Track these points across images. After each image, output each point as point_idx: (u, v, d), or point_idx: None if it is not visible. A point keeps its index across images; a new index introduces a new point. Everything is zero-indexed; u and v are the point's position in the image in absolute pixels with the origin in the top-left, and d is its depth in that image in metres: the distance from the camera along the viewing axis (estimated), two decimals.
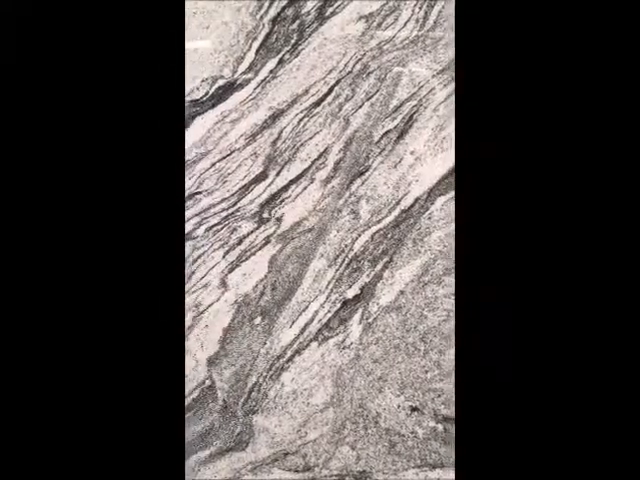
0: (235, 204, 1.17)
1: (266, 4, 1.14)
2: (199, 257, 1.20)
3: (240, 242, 1.18)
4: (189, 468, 1.21)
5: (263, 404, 1.17)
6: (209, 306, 1.19)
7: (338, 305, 1.14)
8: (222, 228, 1.18)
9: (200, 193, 1.19)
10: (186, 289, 1.20)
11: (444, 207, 1.11)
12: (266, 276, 1.17)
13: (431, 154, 1.11)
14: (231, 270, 1.18)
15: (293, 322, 1.16)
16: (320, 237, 1.15)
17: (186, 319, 1.20)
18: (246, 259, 1.17)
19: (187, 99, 1.18)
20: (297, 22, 1.13)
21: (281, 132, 1.15)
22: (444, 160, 1.11)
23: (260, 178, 1.16)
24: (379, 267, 1.13)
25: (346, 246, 1.14)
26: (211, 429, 1.20)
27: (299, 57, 1.13)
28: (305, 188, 1.15)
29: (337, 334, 1.14)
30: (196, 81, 1.18)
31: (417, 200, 1.12)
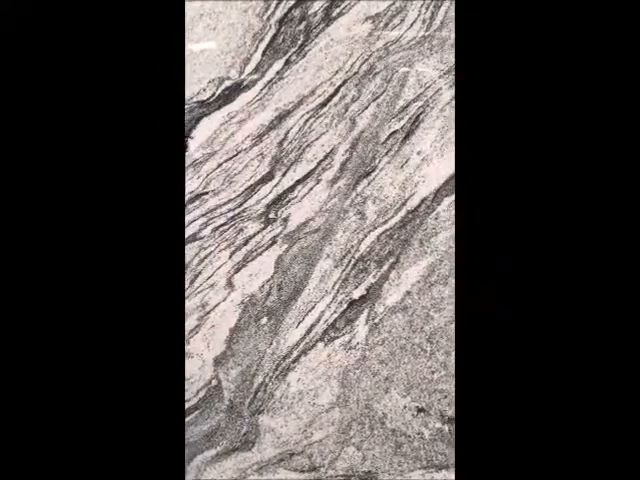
0: (241, 204, 1.18)
1: (273, 5, 1.14)
2: (205, 257, 1.20)
3: (246, 242, 1.18)
4: (195, 467, 1.22)
5: (269, 404, 1.17)
6: (215, 306, 1.20)
7: (344, 305, 1.14)
8: (228, 228, 1.19)
9: (207, 193, 1.19)
10: (192, 289, 1.21)
11: (450, 208, 1.11)
12: (272, 276, 1.17)
13: (437, 155, 1.11)
14: (237, 270, 1.19)
15: (299, 322, 1.16)
16: (326, 237, 1.15)
17: (193, 319, 1.21)
18: (252, 259, 1.18)
19: (194, 100, 1.19)
20: (304, 23, 1.13)
21: (287, 133, 1.15)
22: (450, 161, 1.10)
23: (266, 179, 1.16)
24: (385, 268, 1.13)
25: (352, 247, 1.14)
26: (217, 429, 1.20)
27: (305, 58, 1.14)
28: (311, 189, 1.15)
29: (343, 334, 1.14)
30: (203, 82, 1.18)
31: (423, 201, 1.11)
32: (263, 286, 1.17)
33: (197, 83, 1.18)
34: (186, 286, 1.21)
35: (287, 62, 1.14)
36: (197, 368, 1.20)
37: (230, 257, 1.19)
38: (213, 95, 1.18)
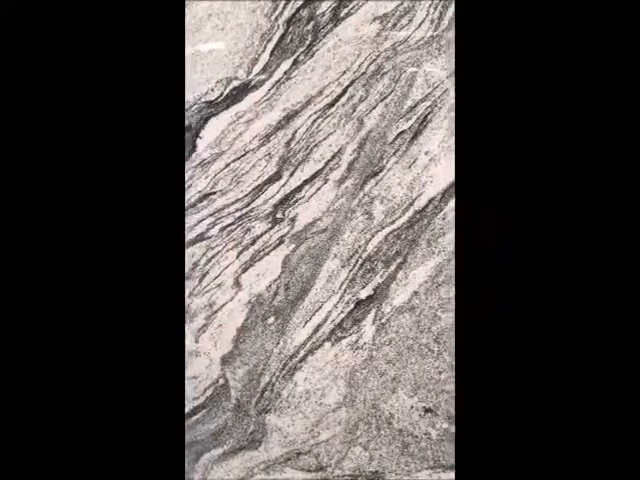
0: (249, 204, 1.18)
1: (281, 5, 1.14)
2: (213, 257, 1.21)
3: (254, 242, 1.18)
4: (202, 466, 1.22)
5: (276, 403, 1.18)
6: (223, 305, 1.20)
7: (351, 305, 1.14)
8: (236, 228, 1.19)
9: (214, 193, 1.20)
10: (200, 288, 1.21)
11: None
12: (279, 276, 1.17)
13: (445, 155, 1.11)
14: (245, 270, 1.19)
15: (306, 322, 1.16)
16: (334, 237, 1.15)
17: (200, 318, 1.21)
18: (260, 259, 1.18)
19: (202, 100, 1.19)
20: (312, 23, 1.13)
21: (295, 133, 1.15)
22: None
23: (274, 179, 1.17)
24: (393, 268, 1.13)
25: (360, 247, 1.14)
26: (224, 427, 1.21)
27: (313, 58, 1.14)
28: (319, 189, 1.15)
29: (350, 334, 1.14)
30: (211, 82, 1.19)
31: (431, 201, 1.11)
32: (270, 286, 1.18)
33: (205, 83, 1.19)
34: (194, 285, 1.21)
35: (295, 62, 1.15)
36: (204, 367, 1.21)
37: (237, 257, 1.19)
38: (221, 95, 1.18)
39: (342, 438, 1.15)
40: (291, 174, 1.16)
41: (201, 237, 1.21)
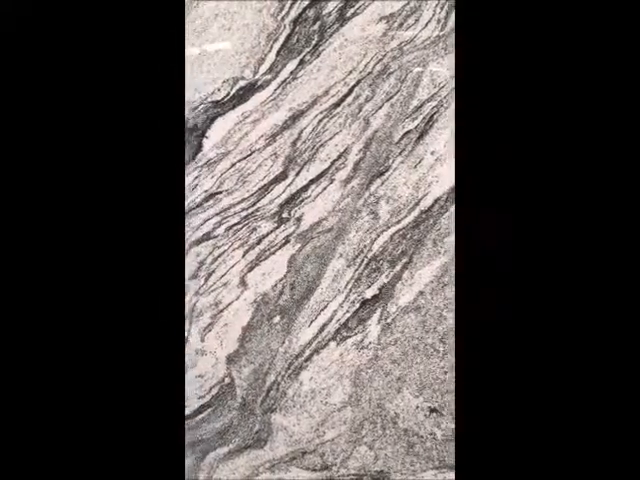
0: (255, 204, 1.18)
1: (287, 5, 1.15)
2: (219, 256, 1.21)
3: (260, 242, 1.19)
4: (208, 465, 1.23)
5: (281, 402, 1.18)
6: (229, 305, 1.21)
7: (357, 305, 1.14)
8: (242, 228, 1.19)
9: (220, 193, 1.20)
10: (206, 287, 1.22)
11: None
12: (285, 275, 1.18)
13: (451, 155, 1.11)
14: (250, 269, 1.19)
15: (312, 321, 1.16)
16: (339, 237, 1.15)
17: (206, 317, 1.22)
18: (265, 258, 1.18)
19: (208, 100, 1.20)
20: (318, 23, 1.14)
21: (301, 132, 1.16)
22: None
23: (280, 178, 1.17)
24: (398, 267, 1.13)
25: (365, 246, 1.14)
26: (230, 426, 1.21)
27: (320, 58, 1.14)
28: (325, 188, 1.15)
29: (356, 334, 1.14)
30: (217, 82, 1.19)
31: (437, 201, 1.11)
32: (276, 285, 1.18)
33: (211, 83, 1.19)
34: (200, 284, 1.22)
35: (301, 62, 1.15)
36: (210, 366, 1.21)
37: (243, 256, 1.20)
38: (227, 95, 1.18)
39: (347, 437, 1.15)
40: (297, 174, 1.16)
41: (207, 236, 1.21)
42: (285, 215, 1.17)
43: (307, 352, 1.16)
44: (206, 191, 1.21)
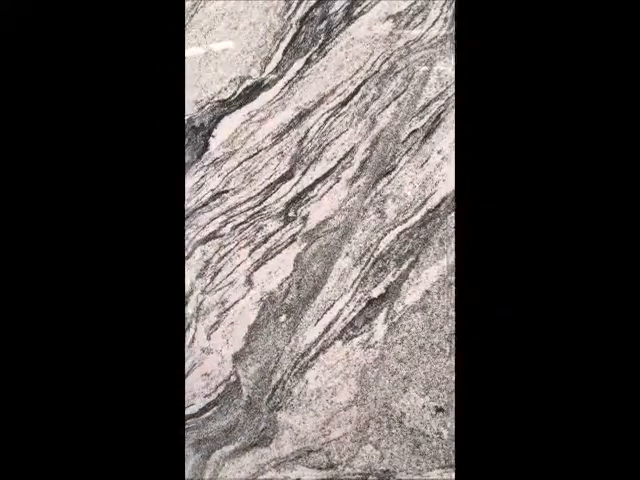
0: (261, 203, 1.19)
1: (294, 5, 1.15)
2: (225, 255, 1.21)
3: (266, 240, 1.19)
4: (214, 462, 1.23)
5: (287, 401, 1.18)
6: (235, 303, 1.21)
7: (363, 304, 1.14)
8: (248, 226, 1.20)
9: (227, 192, 1.20)
10: (212, 286, 1.22)
11: None
12: (291, 274, 1.18)
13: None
14: (257, 268, 1.19)
15: (318, 320, 1.16)
16: (346, 236, 1.15)
17: (212, 315, 1.22)
18: (272, 257, 1.19)
19: (215, 99, 1.20)
20: (325, 22, 1.14)
21: (307, 131, 1.16)
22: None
23: (286, 177, 1.17)
24: (405, 267, 1.12)
25: (372, 245, 1.14)
26: (236, 424, 1.21)
27: (326, 57, 1.14)
28: (331, 187, 1.15)
29: (362, 333, 1.14)
30: (224, 81, 1.19)
31: (444, 200, 1.11)
32: (282, 284, 1.18)
33: (218, 82, 1.20)
34: (206, 283, 1.22)
35: (308, 61, 1.15)
36: (216, 364, 1.22)
37: (250, 255, 1.20)
38: (234, 94, 1.19)
39: (353, 436, 1.15)
40: (303, 173, 1.16)
41: (213, 235, 1.22)
42: (291, 214, 1.17)
43: (313, 351, 1.16)
44: (212, 190, 1.21)
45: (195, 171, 1.22)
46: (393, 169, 1.12)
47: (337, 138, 1.14)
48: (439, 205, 1.11)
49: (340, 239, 1.15)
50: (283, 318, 1.18)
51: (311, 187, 1.16)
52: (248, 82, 1.18)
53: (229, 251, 1.21)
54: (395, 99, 1.12)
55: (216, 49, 1.20)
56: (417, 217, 1.12)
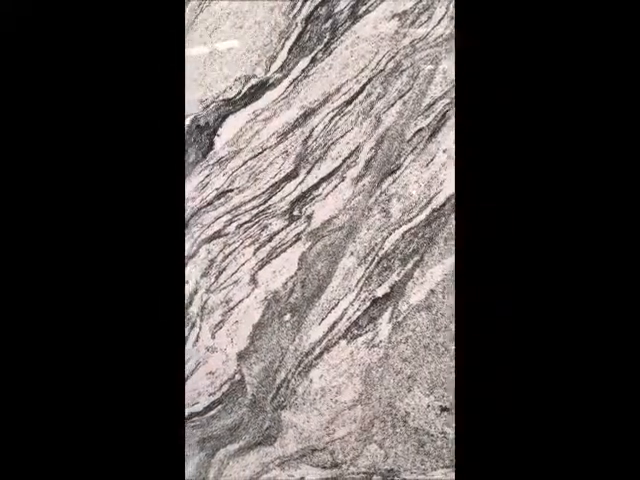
0: (266, 202, 1.19)
1: (299, 3, 1.15)
2: (230, 254, 1.22)
3: (270, 239, 1.19)
4: (218, 461, 1.24)
5: (291, 400, 1.18)
6: (239, 302, 1.21)
7: (368, 303, 1.14)
8: (253, 225, 1.20)
9: (232, 191, 1.21)
10: (217, 285, 1.22)
11: None
12: (296, 273, 1.18)
13: None
14: (261, 267, 1.20)
15: (322, 320, 1.16)
16: (350, 235, 1.15)
17: (217, 314, 1.22)
18: (276, 256, 1.19)
19: (220, 98, 1.20)
20: (330, 21, 1.13)
21: (312, 130, 1.16)
22: None
23: (291, 176, 1.17)
24: (410, 266, 1.12)
25: (376, 244, 1.14)
26: (240, 423, 1.22)
27: (331, 56, 1.14)
28: (336, 186, 1.15)
29: (366, 332, 1.14)
30: (229, 80, 1.19)
31: (449, 199, 1.11)
32: (286, 283, 1.18)
33: (223, 81, 1.20)
34: (211, 282, 1.22)
35: (313, 60, 1.15)
36: (221, 363, 1.22)
37: (254, 254, 1.20)
38: (239, 93, 1.19)
39: (357, 435, 1.15)
40: (308, 172, 1.16)
41: (218, 234, 1.22)
42: (296, 213, 1.17)
43: (317, 350, 1.16)
44: (217, 189, 1.21)
45: (200, 170, 1.22)
46: (398, 168, 1.12)
47: (342, 137, 1.14)
48: (444, 204, 1.11)
49: (345, 238, 1.15)
50: (287, 317, 1.18)
51: (316, 186, 1.16)
52: (253, 81, 1.18)
53: (234, 250, 1.21)
54: (400, 98, 1.12)
55: (221, 48, 1.20)
56: (422, 216, 1.11)
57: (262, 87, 1.18)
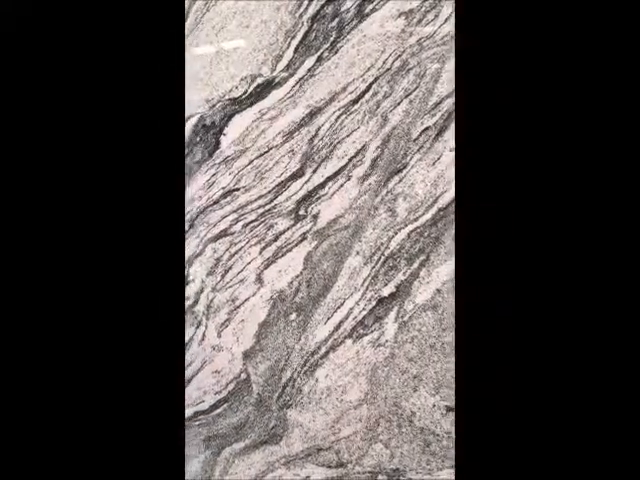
0: (272, 201, 1.19)
1: (305, 2, 1.15)
2: (236, 253, 1.22)
3: (276, 238, 1.19)
4: (224, 459, 1.24)
5: (297, 399, 1.18)
6: (245, 301, 1.21)
7: (373, 303, 1.14)
8: (259, 224, 1.20)
9: (238, 190, 1.21)
10: (223, 284, 1.22)
11: None
12: (302, 273, 1.18)
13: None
14: (267, 266, 1.20)
15: (328, 319, 1.16)
16: (356, 234, 1.15)
17: (223, 313, 1.23)
18: (282, 255, 1.19)
19: (226, 97, 1.20)
20: (336, 20, 1.13)
21: (318, 129, 1.15)
22: None
23: (297, 175, 1.17)
24: (415, 265, 1.12)
25: (382, 244, 1.13)
26: (246, 422, 1.22)
27: (338, 55, 1.14)
28: (342, 185, 1.15)
29: (372, 332, 1.14)
30: (235, 79, 1.20)
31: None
32: (292, 282, 1.18)
33: (229, 80, 1.20)
34: (217, 280, 1.23)
35: (319, 59, 1.15)
36: (227, 361, 1.22)
37: (260, 253, 1.20)
38: (245, 92, 1.19)
39: (363, 435, 1.15)
40: (314, 171, 1.16)
41: (224, 233, 1.22)
42: (302, 212, 1.17)
43: (323, 349, 1.16)
44: (223, 188, 1.22)
45: (206, 169, 1.23)
46: (404, 167, 1.12)
47: (348, 136, 1.14)
48: (450, 204, 1.10)
49: (351, 237, 1.15)
50: (293, 316, 1.19)
51: (322, 185, 1.16)
52: (259, 80, 1.18)
53: (240, 249, 1.21)
54: (407, 97, 1.11)
55: (227, 47, 1.21)
56: (428, 215, 1.11)
57: (268, 86, 1.18)
